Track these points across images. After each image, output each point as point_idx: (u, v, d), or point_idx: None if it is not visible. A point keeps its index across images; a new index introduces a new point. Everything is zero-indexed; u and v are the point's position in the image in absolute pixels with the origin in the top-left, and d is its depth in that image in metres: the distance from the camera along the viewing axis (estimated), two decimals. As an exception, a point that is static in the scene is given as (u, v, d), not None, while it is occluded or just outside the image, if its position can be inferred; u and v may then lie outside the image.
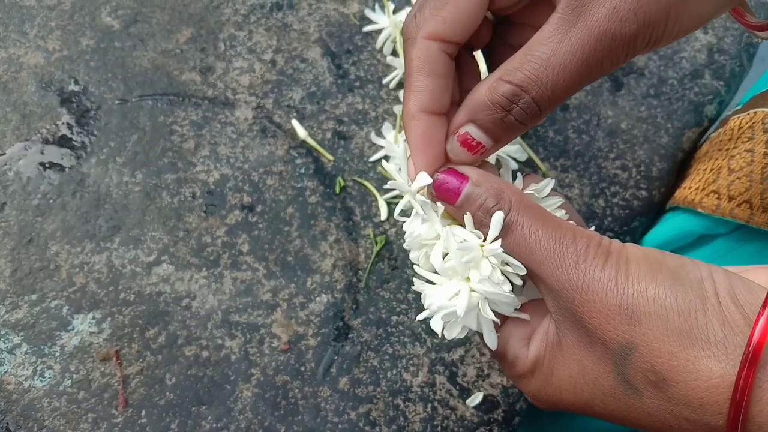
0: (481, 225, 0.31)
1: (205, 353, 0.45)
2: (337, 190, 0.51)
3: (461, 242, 0.31)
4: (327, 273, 0.48)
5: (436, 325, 0.32)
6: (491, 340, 0.32)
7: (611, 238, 0.50)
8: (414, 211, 0.33)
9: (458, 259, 0.30)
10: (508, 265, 0.30)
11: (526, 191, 0.33)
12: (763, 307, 0.25)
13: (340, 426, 0.44)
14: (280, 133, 0.53)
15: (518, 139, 0.52)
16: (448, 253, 0.31)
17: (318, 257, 0.49)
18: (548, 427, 0.52)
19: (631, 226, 0.52)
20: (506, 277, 0.31)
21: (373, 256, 0.49)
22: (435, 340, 0.46)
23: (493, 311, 0.31)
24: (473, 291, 0.31)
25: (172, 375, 0.45)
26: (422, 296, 0.32)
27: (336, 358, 0.46)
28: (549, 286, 0.29)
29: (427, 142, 0.32)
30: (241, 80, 0.54)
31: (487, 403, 0.45)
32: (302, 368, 0.45)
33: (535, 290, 0.32)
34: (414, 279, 0.33)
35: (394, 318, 0.47)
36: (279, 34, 0.56)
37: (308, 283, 0.48)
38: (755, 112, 0.46)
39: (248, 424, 0.44)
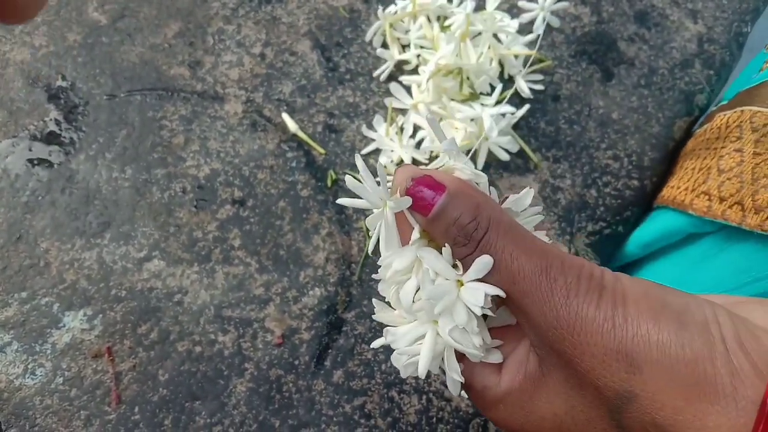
0: (455, 244, 0.27)
1: (198, 348, 0.45)
2: (329, 183, 0.50)
3: (435, 283, 0.27)
4: (320, 266, 0.48)
5: (396, 360, 0.29)
6: (455, 388, 0.29)
7: (604, 228, 0.51)
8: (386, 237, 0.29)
9: (430, 306, 0.27)
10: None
11: (504, 205, 0.30)
12: None
13: (335, 419, 0.44)
14: (270, 127, 0.52)
15: (510, 130, 0.52)
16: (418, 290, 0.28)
17: (310, 251, 0.48)
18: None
19: (624, 215, 0.52)
20: (480, 319, 0.28)
21: (365, 249, 0.48)
22: (429, 332, 0.46)
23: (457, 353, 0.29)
24: (440, 336, 0.28)
25: (165, 371, 0.44)
26: (384, 330, 0.30)
27: (330, 351, 0.46)
28: (533, 322, 0.26)
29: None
30: (231, 74, 0.54)
31: (482, 394, 0.45)
32: (296, 362, 0.45)
33: (507, 315, 0.30)
34: (374, 301, 0.31)
35: (388, 310, 0.47)
36: (268, 27, 0.56)
37: (301, 277, 0.47)
38: (742, 111, 0.46)
39: (242, 419, 0.43)
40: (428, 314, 0.28)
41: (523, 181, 0.52)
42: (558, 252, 0.27)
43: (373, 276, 0.31)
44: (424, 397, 0.45)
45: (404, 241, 0.29)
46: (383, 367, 0.45)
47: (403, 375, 0.29)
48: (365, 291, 0.47)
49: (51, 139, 0.51)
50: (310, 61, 0.55)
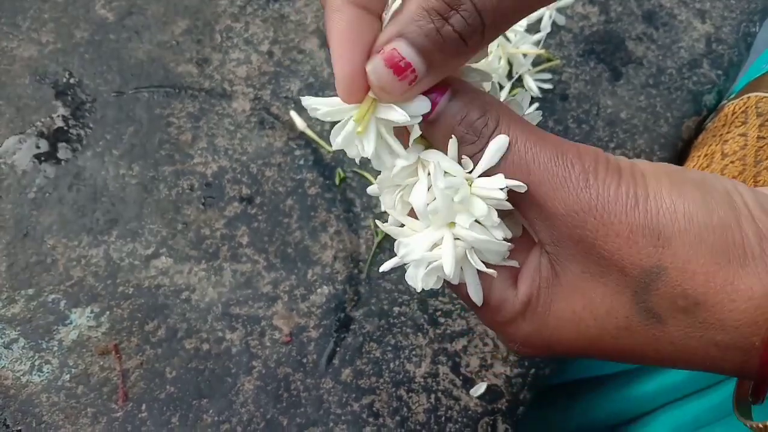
0: (464, 142, 0.26)
1: (205, 346, 0.45)
2: (337, 181, 0.50)
3: (446, 178, 0.26)
4: (328, 264, 0.48)
5: (412, 277, 0.28)
6: (477, 295, 0.28)
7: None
8: (387, 141, 0.27)
9: (446, 200, 0.26)
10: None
11: (508, 103, 0.29)
12: None
13: (343, 417, 0.44)
14: (278, 125, 0.52)
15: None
16: (429, 190, 0.27)
17: (318, 249, 0.48)
18: (546, 419, 0.52)
19: (632, 215, 0.51)
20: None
21: (374, 247, 0.48)
22: (437, 331, 0.46)
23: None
24: (457, 239, 0.27)
25: (173, 368, 0.44)
26: (396, 244, 0.28)
27: (338, 349, 0.45)
28: (550, 211, 0.25)
29: (351, 44, 0.26)
30: (238, 72, 0.54)
31: (491, 393, 0.45)
32: (304, 360, 0.45)
33: (512, 227, 0.28)
34: (378, 222, 0.29)
35: (396, 309, 0.47)
36: (276, 25, 0.56)
37: (309, 275, 0.47)
38: (748, 97, 0.46)
39: (250, 417, 0.43)
40: (445, 211, 0.26)
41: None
42: (570, 141, 0.27)
43: (368, 190, 0.29)
44: (433, 396, 0.44)
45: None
46: (392, 365, 0.45)
47: (423, 287, 0.27)
48: (373, 289, 0.47)
49: (58, 135, 0.51)
50: (318, 59, 0.55)
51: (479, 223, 0.26)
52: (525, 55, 0.54)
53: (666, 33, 0.58)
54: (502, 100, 0.45)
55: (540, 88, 0.54)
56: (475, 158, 0.26)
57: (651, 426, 0.44)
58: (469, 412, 0.44)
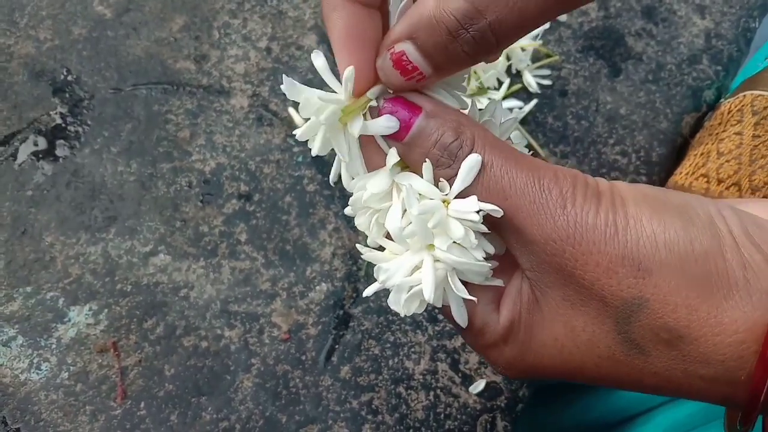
0: (439, 166, 0.26)
1: (204, 343, 0.45)
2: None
3: (421, 201, 0.26)
4: (326, 261, 0.48)
5: (395, 302, 0.27)
6: (461, 317, 0.27)
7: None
8: (359, 163, 0.27)
9: (421, 224, 0.25)
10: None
11: (482, 120, 0.28)
12: None
13: (342, 415, 0.43)
14: (276, 121, 0.52)
15: (518, 125, 0.52)
16: (404, 214, 0.26)
17: (317, 246, 0.48)
18: (543, 416, 0.52)
19: (632, 211, 0.51)
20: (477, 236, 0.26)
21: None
22: (436, 328, 0.46)
23: (461, 282, 0.26)
24: (437, 261, 0.26)
25: (171, 366, 0.44)
26: (375, 269, 0.27)
27: (337, 346, 0.45)
28: (527, 237, 0.25)
29: (353, 41, 0.26)
30: (237, 68, 0.54)
31: (490, 390, 0.45)
32: (303, 357, 0.45)
33: (495, 244, 0.27)
34: (359, 247, 0.28)
35: (395, 306, 0.46)
36: (274, 21, 0.56)
37: (308, 272, 0.47)
38: (744, 95, 0.46)
39: (249, 414, 0.43)
40: (422, 235, 0.26)
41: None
42: (548, 164, 0.26)
43: (345, 211, 0.29)
44: (432, 393, 0.44)
45: (369, 167, 0.28)
46: (390, 362, 0.45)
47: (406, 312, 0.27)
48: (372, 286, 0.47)
49: (56, 133, 0.51)
50: (316, 55, 0.55)
51: (459, 244, 0.26)
52: (524, 51, 0.54)
53: (665, 29, 0.57)
54: (500, 95, 0.45)
55: (539, 84, 0.54)
56: (452, 182, 0.26)
57: (647, 425, 0.44)
58: (468, 409, 0.44)
